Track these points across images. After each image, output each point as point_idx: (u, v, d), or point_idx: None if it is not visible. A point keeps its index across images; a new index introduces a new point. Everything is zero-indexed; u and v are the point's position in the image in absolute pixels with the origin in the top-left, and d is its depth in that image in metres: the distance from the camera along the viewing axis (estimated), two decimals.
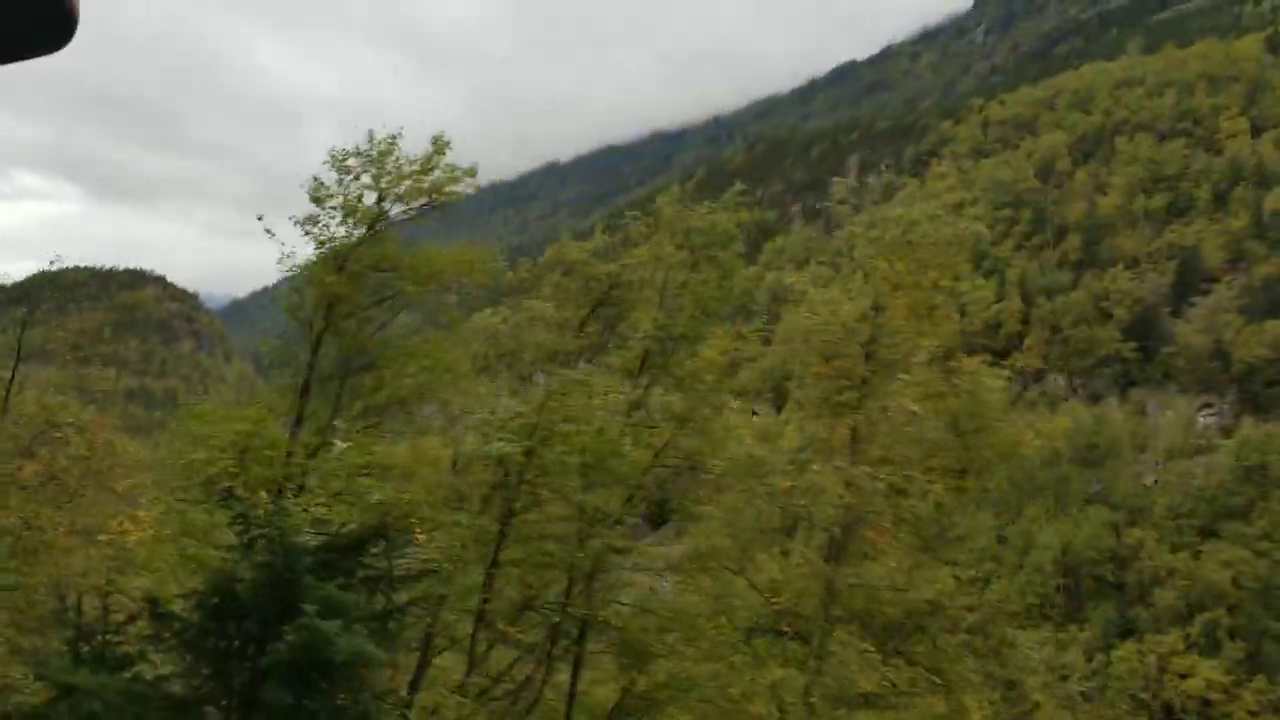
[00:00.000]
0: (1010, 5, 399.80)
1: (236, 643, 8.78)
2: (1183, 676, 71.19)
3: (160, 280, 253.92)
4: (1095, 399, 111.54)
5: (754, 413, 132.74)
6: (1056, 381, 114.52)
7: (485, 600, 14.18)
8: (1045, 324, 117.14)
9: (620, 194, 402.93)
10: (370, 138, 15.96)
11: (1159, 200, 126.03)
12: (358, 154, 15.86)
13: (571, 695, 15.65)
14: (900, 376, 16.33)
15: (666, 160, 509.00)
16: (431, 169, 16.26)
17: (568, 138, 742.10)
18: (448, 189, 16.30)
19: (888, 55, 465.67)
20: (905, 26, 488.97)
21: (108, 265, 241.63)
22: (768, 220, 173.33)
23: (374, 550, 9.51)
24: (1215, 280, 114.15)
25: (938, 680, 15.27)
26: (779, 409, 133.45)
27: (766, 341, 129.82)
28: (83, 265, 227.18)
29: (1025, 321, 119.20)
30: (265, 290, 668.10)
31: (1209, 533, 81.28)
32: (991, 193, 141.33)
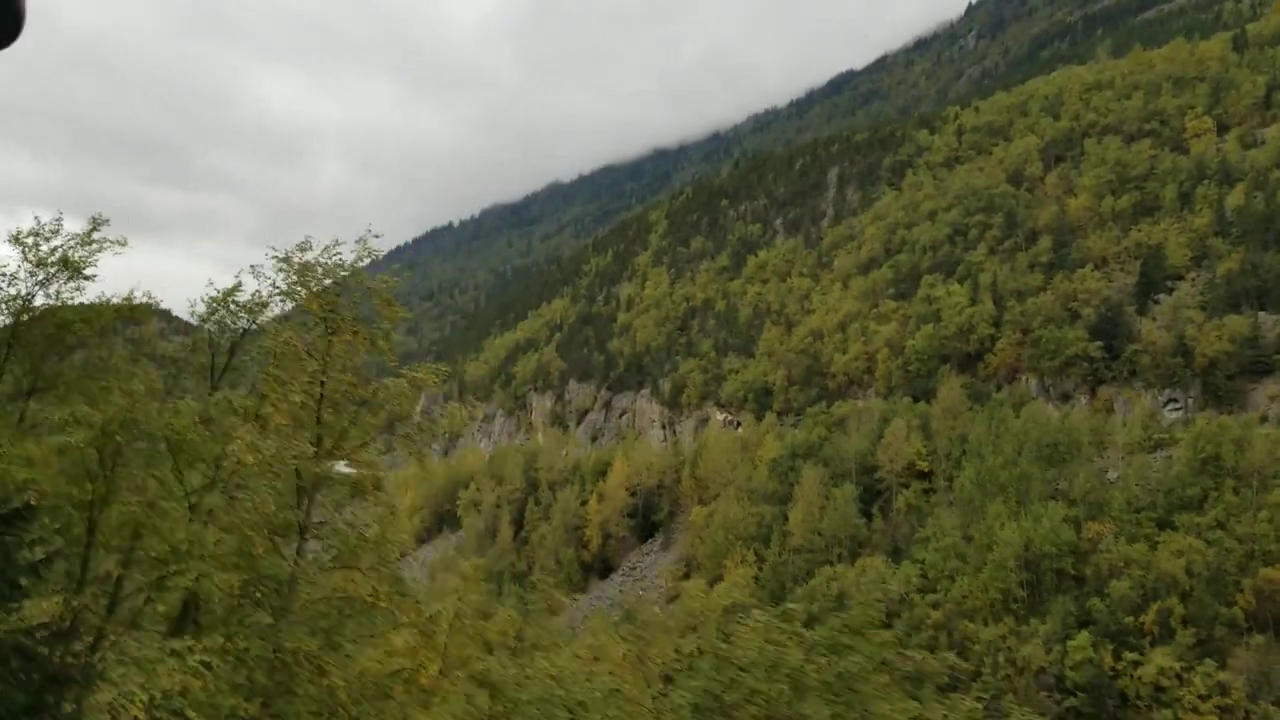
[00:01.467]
0: (1000, 10, 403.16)
1: None
2: (1136, 664, 73.38)
3: (165, 314, 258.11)
4: (1065, 398, 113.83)
5: (737, 424, 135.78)
6: (1028, 383, 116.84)
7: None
8: (1016, 326, 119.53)
9: (622, 211, 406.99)
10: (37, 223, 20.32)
11: (1125, 201, 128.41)
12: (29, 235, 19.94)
13: None
14: None
15: (666, 177, 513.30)
16: (90, 243, 20.23)
17: (570, 158, 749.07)
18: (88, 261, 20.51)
19: (883, 64, 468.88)
20: (900, 35, 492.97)
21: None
22: (752, 235, 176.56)
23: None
24: (1180, 278, 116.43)
25: None
26: (760, 418, 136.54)
27: (750, 354, 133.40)
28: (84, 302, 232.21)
29: (997, 325, 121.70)
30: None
31: (1166, 524, 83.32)
32: (965, 199, 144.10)
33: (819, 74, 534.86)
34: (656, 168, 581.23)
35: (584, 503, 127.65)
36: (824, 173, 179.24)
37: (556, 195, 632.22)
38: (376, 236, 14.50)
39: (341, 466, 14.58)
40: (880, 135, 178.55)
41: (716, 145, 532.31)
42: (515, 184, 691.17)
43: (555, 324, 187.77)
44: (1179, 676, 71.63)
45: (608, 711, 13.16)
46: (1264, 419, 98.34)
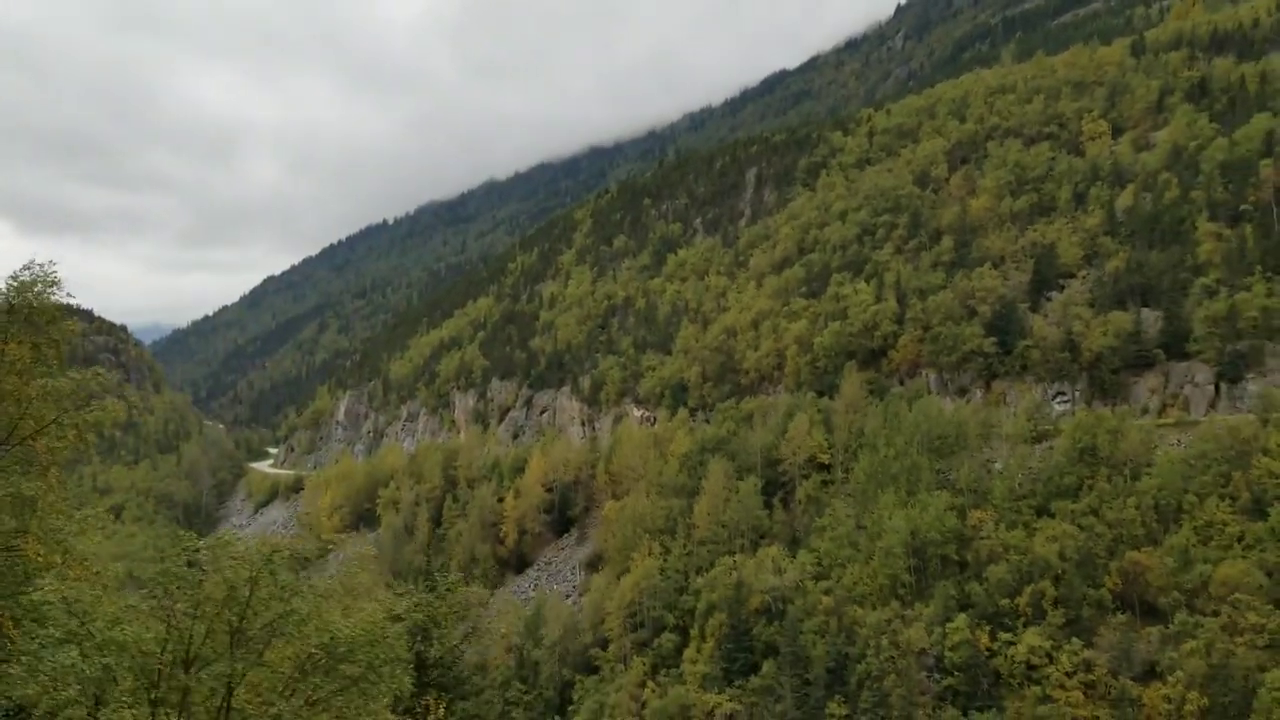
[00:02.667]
0: (927, 11, 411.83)
1: None
2: (1009, 644, 77.27)
3: (88, 314, 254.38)
4: (962, 392, 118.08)
5: (653, 420, 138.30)
6: (928, 377, 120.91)
7: None
8: (918, 323, 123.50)
9: (557, 209, 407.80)
10: None
11: (1023, 201, 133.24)
12: None
13: None
14: None
15: (602, 175, 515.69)
16: None
17: (506, 156, 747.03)
18: None
19: (815, 65, 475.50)
20: (832, 36, 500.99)
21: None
22: (672, 234, 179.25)
23: None
24: (1071, 276, 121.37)
25: None
26: (676, 414, 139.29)
27: (667, 352, 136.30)
28: None
29: (900, 322, 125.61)
30: (206, 319, 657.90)
31: (1044, 511, 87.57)
32: (874, 199, 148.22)
33: (754, 74, 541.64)
34: (593, 165, 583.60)
35: (501, 499, 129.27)
36: (743, 173, 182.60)
37: (493, 193, 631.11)
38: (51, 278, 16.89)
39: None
40: (797, 137, 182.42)
41: (653, 143, 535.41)
42: (451, 182, 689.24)
43: (479, 322, 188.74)
44: (1048, 655, 75.64)
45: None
46: (1145, 410, 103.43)
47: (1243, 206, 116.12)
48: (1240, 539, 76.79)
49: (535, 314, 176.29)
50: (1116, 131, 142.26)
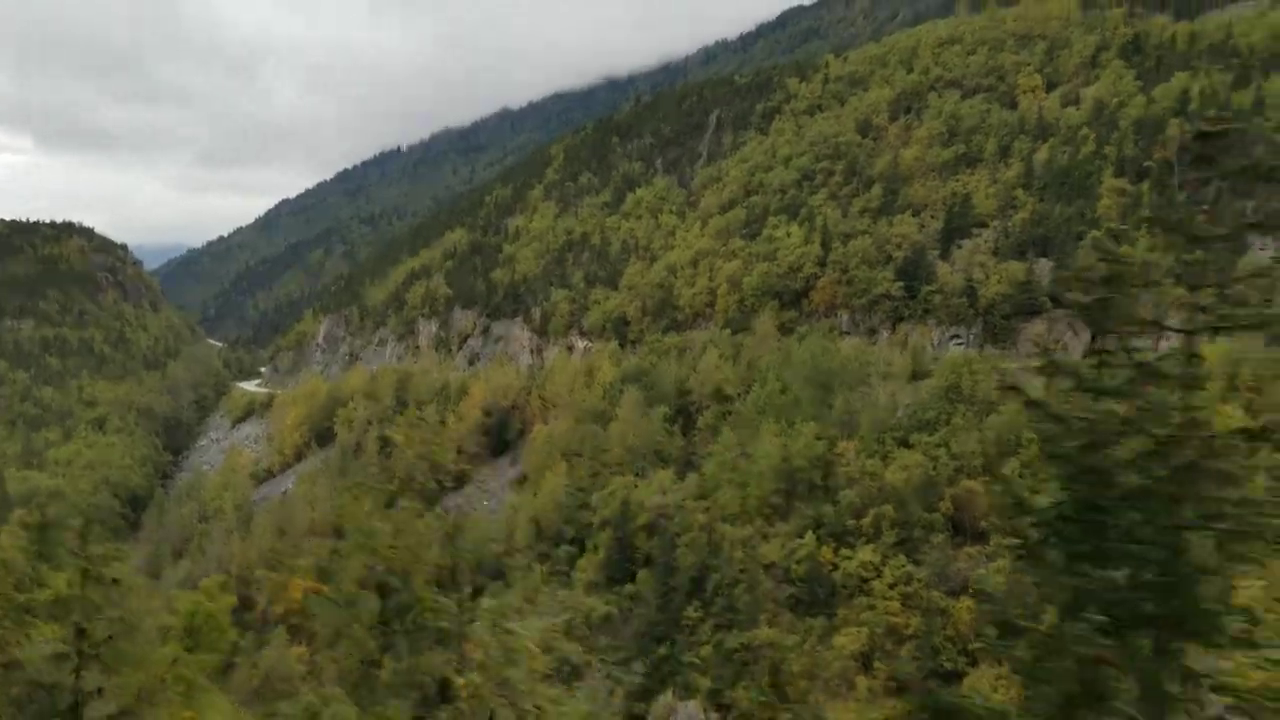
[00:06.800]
0: None
1: None
2: (847, 559, 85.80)
3: (88, 232, 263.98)
4: (872, 333, 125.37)
5: (587, 347, 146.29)
6: (842, 318, 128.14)
7: None
8: (838, 266, 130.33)
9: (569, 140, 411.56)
10: None
11: (950, 152, 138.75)
12: None
13: None
14: None
15: (615, 107, 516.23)
16: None
17: (521, 84, 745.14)
18: None
19: (826, 1, 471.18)
20: None
21: (33, 218, 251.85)
22: (634, 173, 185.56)
23: None
24: (984, 225, 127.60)
25: None
26: (622, 345, 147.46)
27: (615, 287, 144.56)
28: (4, 219, 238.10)
29: (823, 265, 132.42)
30: (220, 240, 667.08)
31: (904, 443, 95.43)
32: (817, 146, 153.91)
33: (770, 8, 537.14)
34: (608, 98, 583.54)
35: (443, 422, 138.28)
36: (707, 115, 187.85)
37: (505, 122, 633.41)
38: None
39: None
40: (758, 81, 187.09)
41: (665, 77, 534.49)
42: (466, 109, 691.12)
43: (451, 252, 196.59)
44: (877, 569, 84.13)
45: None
46: (1029, 354, 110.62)
47: (1146, 163, 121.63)
48: None
49: (499, 246, 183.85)
50: (1052, 86, 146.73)
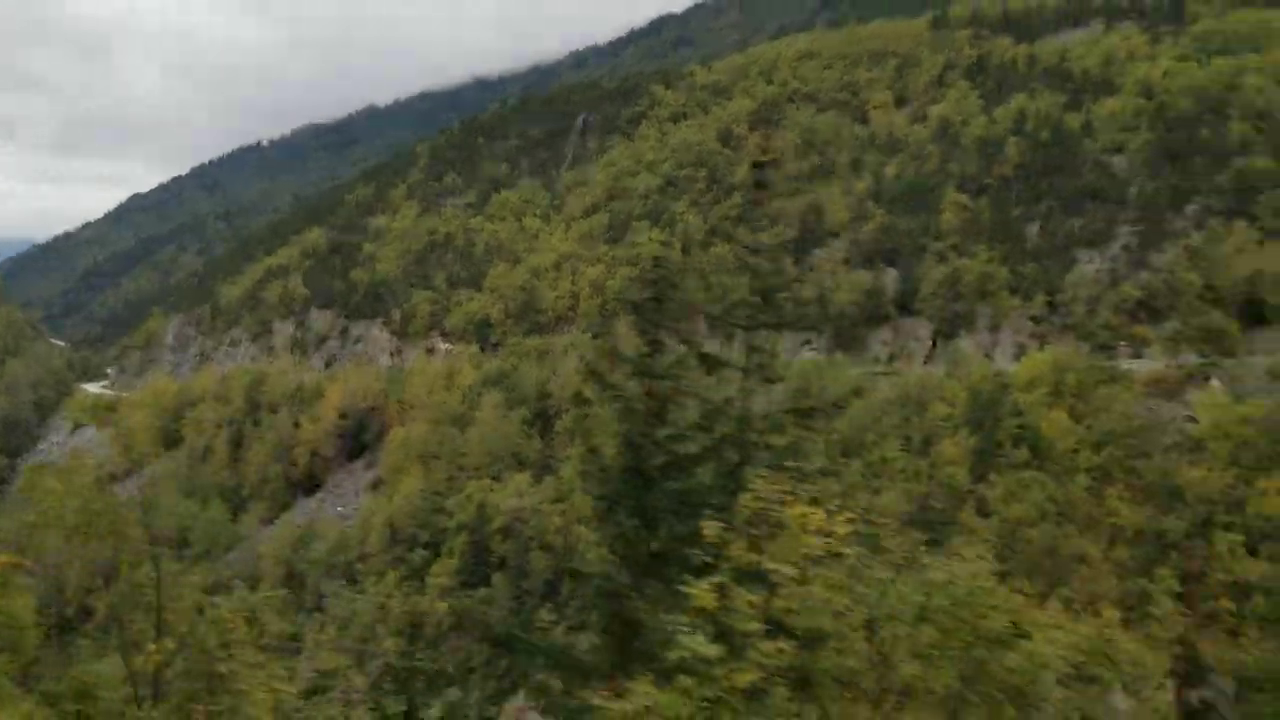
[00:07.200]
0: None
1: None
2: None
3: None
4: (729, 338, 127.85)
5: (448, 349, 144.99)
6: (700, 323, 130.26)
7: None
8: (697, 272, 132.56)
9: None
10: None
11: (806, 165, 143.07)
12: None
13: None
14: None
15: (483, 108, 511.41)
16: None
17: (389, 81, 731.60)
18: None
19: (699, 10, 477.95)
20: None
21: None
22: (500, 175, 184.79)
23: None
24: (836, 236, 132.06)
25: None
26: (483, 348, 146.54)
27: (478, 289, 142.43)
28: None
29: (683, 271, 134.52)
30: (68, 235, 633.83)
31: None
32: (680, 153, 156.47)
33: (644, 13, 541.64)
34: (476, 97, 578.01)
35: (297, 424, 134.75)
36: (573, 119, 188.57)
37: (373, 119, 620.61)
38: None
39: None
40: (625, 87, 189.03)
41: (536, 79, 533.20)
42: (334, 104, 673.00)
43: (309, 251, 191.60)
44: None
45: None
46: (876, 360, 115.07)
47: (986, 180, 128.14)
48: (901, 471, 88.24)
49: (359, 246, 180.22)
50: (902, 103, 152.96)
